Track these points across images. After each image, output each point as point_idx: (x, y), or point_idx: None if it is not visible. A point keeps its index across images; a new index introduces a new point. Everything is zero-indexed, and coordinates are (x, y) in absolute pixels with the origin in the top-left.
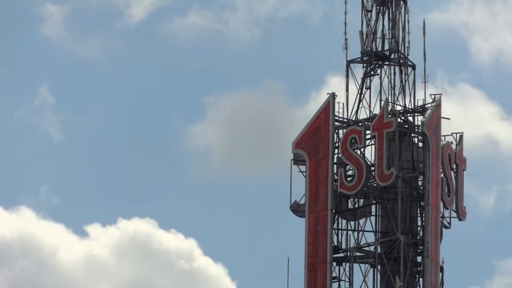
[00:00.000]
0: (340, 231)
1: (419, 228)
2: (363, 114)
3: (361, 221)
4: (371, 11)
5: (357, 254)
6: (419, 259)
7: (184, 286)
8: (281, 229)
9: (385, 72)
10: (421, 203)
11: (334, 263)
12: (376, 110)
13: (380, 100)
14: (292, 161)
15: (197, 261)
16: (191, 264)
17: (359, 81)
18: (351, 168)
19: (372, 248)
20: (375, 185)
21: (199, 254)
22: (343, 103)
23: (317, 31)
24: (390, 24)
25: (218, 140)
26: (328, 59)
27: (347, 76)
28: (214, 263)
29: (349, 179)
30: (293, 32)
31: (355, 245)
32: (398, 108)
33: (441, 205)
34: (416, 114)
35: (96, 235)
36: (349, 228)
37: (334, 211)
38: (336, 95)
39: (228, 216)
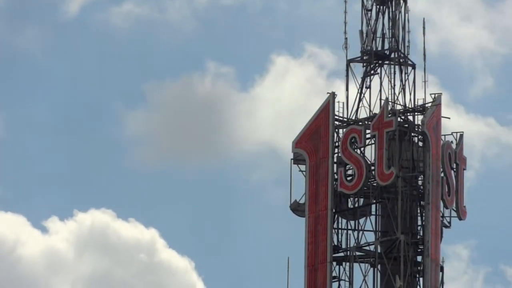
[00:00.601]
0: (340, 231)
1: (419, 228)
2: (363, 114)
3: (361, 220)
4: (371, 10)
5: (357, 253)
6: (419, 258)
7: (146, 279)
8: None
9: (385, 71)
10: (421, 202)
11: (334, 263)
12: (376, 110)
13: (380, 99)
14: (292, 160)
15: (161, 254)
16: (153, 257)
17: (359, 80)
18: (351, 167)
19: (372, 247)
20: (375, 184)
21: (162, 246)
22: (343, 103)
23: (256, 16)
24: (390, 23)
25: (160, 126)
26: (270, 43)
27: (347, 76)
28: (180, 257)
29: (349, 178)
30: (233, 19)
31: (355, 244)
32: (398, 107)
33: (441, 204)
34: (416, 113)
35: (55, 229)
36: (349, 227)
37: (334, 210)
38: (336, 95)
39: (184, 206)
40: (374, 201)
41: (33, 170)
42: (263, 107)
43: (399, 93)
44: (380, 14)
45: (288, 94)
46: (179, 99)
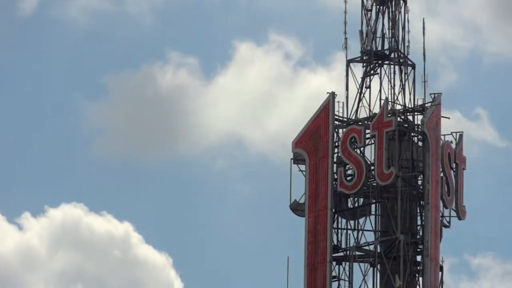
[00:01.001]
0: (339, 230)
1: (418, 228)
2: (363, 113)
3: (361, 220)
4: (371, 10)
5: (357, 253)
6: (418, 258)
7: (121, 275)
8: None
9: (385, 71)
10: (421, 202)
11: (334, 262)
12: (376, 109)
13: (380, 99)
14: (292, 160)
15: (136, 249)
16: (128, 253)
17: (359, 80)
18: (350, 167)
19: (371, 247)
20: (374, 184)
21: (138, 241)
22: (343, 102)
23: (216, 8)
24: (390, 23)
25: (121, 118)
26: (231, 32)
27: (347, 76)
28: (157, 252)
29: (348, 178)
30: (192, 11)
31: (354, 244)
32: (398, 107)
33: (441, 204)
34: (416, 113)
35: (29, 226)
36: (349, 227)
37: (333, 210)
38: (336, 95)
39: (156, 198)
40: (374, 201)
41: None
42: (227, 97)
43: (398, 93)
44: (380, 14)
45: (252, 83)
46: (140, 90)
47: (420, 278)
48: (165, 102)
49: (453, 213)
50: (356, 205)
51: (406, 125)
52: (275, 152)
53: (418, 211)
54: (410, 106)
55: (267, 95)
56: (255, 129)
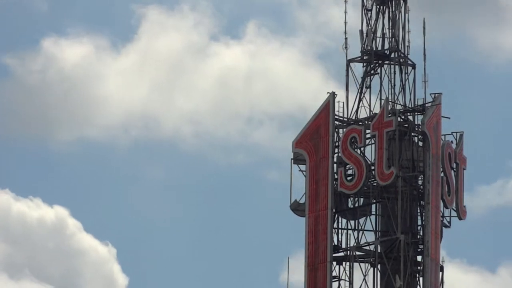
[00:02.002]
0: (340, 230)
1: (419, 228)
2: (363, 113)
3: (361, 220)
4: (371, 10)
5: (357, 253)
6: (419, 258)
7: (57, 266)
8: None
9: (385, 71)
10: (421, 202)
11: (334, 263)
12: (376, 109)
13: (380, 99)
14: (292, 160)
15: (73, 237)
16: (64, 241)
17: (359, 80)
18: (351, 167)
19: (372, 247)
20: (375, 184)
21: (75, 229)
22: (343, 102)
23: None
24: (390, 23)
25: (25, 99)
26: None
27: (347, 76)
28: (100, 242)
29: (349, 178)
30: None
31: (355, 244)
32: (398, 107)
33: (441, 204)
34: (416, 113)
35: None
36: (349, 227)
37: (334, 210)
38: (336, 95)
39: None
40: (374, 201)
41: None
42: (134, 75)
43: (399, 93)
44: (380, 14)
45: (162, 56)
46: (42, 70)
47: (421, 278)
48: (69, 81)
49: (454, 213)
50: (356, 205)
51: (406, 125)
52: (188, 132)
53: (419, 211)
54: (410, 106)
55: (177, 70)
56: (166, 107)
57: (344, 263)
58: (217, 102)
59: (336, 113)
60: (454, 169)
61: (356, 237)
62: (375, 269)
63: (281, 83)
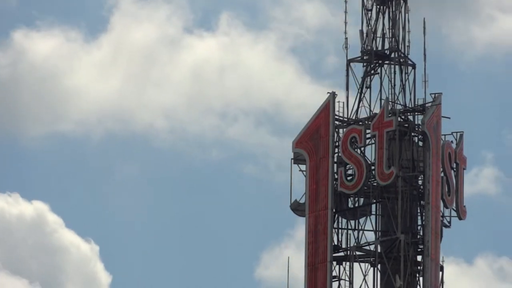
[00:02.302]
0: (340, 230)
1: (419, 227)
2: (363, 113)
3: (361, 220)
4: (371, 10)
5: (357, 253)
6: (419, 258)
7: (37, 262)
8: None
9: (385, 71)
10: (421, 202)
11: (334, 262)
12: (376, 109)
13: (380, 99)
14: (292, 160)
15: (54, 234)
16: (45, 237)
17: (359, 80)
18: (351, 167)
19: (372, 247)
20: (375, 184)
21: (56, 225)
22: (343, 102)
23: None
24: (390, 23)
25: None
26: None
27: (347, 75)
28: (82, 239)
29: (349, 178)
30: None
31: (355, 244)
32: (398, 107)
33: (441, 204)
34: (416, 113)
35: None
36: (349, 227)
37: (334, 210)
38: (336, 95)
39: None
40: (374, 200)
41: None
42: (106, 68)
43: (399, 93)
44: (380, 14)
45: (135, 48)
46: (14, 63)
47: (421, 278)
48: (40, 74)
49: (454, 213)
50: (356, 205)
51: (406, 125)
52: (162, 127)
53: (419, 211)
54: (410, 106)
55: (150, 62)
56: (139, 100)
57: (344, 263)
58: (191, 95)
59: (336, 113)
60: (454, 169)
61: (356, 237)
62: (375, 269)
63: (255, 76)
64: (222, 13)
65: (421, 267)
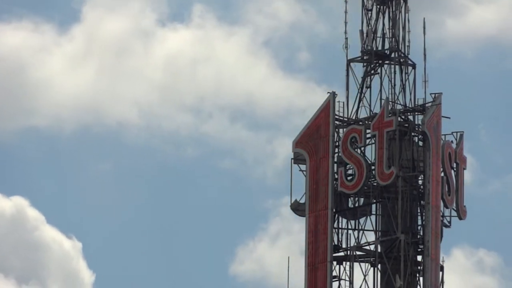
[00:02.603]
0: (340, 230)
1: (419, 227)
2: (363, 113)
3: (362, 220)
4: (371, 10)
5: (358, 253)
6: (419, 258)
7: (20, 258)
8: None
9: (386, 71)
10: (422, 202)
11: (335, 262)
12: (377, 109)
13: (381, 99)
14: (292, 160)
15: (35, 231)
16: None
17: (359, 80)
18: (351, 167)
19: (372, 247)
20: (375, 184)
21: (37, 222)
22: (343, 102)
23: None
24: (390, 23)
25: None
26: None
27: (348, 75)
28: (64, 236)
29: (349, 178)
30: None
31: (355, 244)
32: (399, 107)
33: (442, 204)
34: (416, 113)
35: None
36: (350, 227)
37: (334, 210)
38: (337, 94)
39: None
40: (374, 200)
41: None
42: (78, 60)
43: (399, 93)
44: (381, 14)
45: (106, 41)
46: None
47: (421, 278)
48: (10, 67)
49: (454, 213)
50: (356, 205)
51: (406, 125)
52: (134, 122)
53: (419, 211)
54: (410, 106)
55: (123, 55)
56: (112, 94)
57: (344, 263)
58: (164, 89)
59: (336, 113)
60: (454, 169)
61: (356, 237)
62: (375, 269)
63: (228, 70)
64: (195, 5)
65: (421, 267)
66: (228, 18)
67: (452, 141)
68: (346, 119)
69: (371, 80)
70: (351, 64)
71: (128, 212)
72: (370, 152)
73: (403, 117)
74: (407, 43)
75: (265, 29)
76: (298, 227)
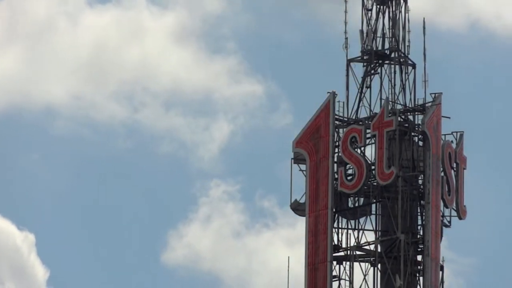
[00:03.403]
0: (340, 230)
1: (419, 227)
2: (363, 113)
3: (361, 220)
4: (371, 10)
5: (357, 253)
6: (419, 258)
7: None
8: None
9: (386, 71)
10: (422, 202)
11: (334, 262)
12: (377, 109)
13: (380, 99)
14: (293, 160)
15: None
16: None
17: (359, 80)
18: (351, 167)
19: (372, 247)
20: (375, 184)
21: None
22: (343, 102)
23: None
24: (390, 23)
25: None
26: None
27: (347, 75)
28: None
29: (349, 178)
30: None
31: (355, 244)
32: (399, 107)
33: (441, 204)
34: (416, 113)
35: None
36: (349, 227)
37: (334, 210)
38: (337, 94)
39: None
40: (374, 200)
41: None
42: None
43: (399, 93)
44: (381, 14)
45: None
46: None
47: (421, 278)
48: None
49: (454, 213)
50: (356, 204)
51: (406, 124)
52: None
53: (419, 210)
54: (410, 106)
55: (48, 37)
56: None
57: (344, 262)
58: (91, 73)
59: (336, 112)
60: (454, 169)
61: (356, 236)
62: (375, 268)
63: (155, 55)
64: None
65: (421, 267)
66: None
67: (452, 141)
68: (346, 119)
69: (371, 80)
70: (351, 64)
71: (62, 202)
72: (370, 152)
73: (403, 117)
74: (407, 43)
75: (191, 15)
76: (229, 209)
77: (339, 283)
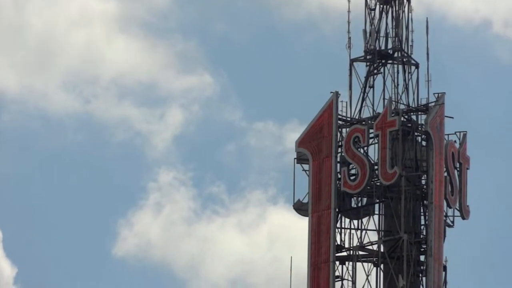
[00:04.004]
0: (343, 230)
1: (422, 227)
2: (366, 113)
3: (364, 220)
4: (374, 9)
5: (360, 253)
6: (422, 258)
7: None
8: None
9: (389, 70)
10: (425, 202)
11: (337, 262)
12: (380, 109)
13: (384, 98)
14: (296, 160)
15: None
16: None
17: (363, 79)
18: (354, 167)
19: (375, 247)
20: (378, 184)
21: None
22: (346, 102)
23: None
24: (394, 22)
25: None
26: None
27: (350, 75)
28: None
29: (352, 178)
30: None
31: (358, 244)
32: (402, 106)
33: (445, 204)
34: (419, 112)
35: None
36: (352, 227)
37: (337, 210)
38: (340, 94)
39: None
40: (378, 200)
41: None
42: None
43: (402, 93)
44: (384, 14)
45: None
46: None
47: (424, 278)
48: None
49: (457, 213)
50: (359, 204)
51: (409, 124)
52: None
53: (422, 210)
54: (413, 106)
55: None
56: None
57: (347, 262)
58: (40, 63)
59: (339, 112)
60: (458, 169)
61: (359, 236)
62: (378, 268)
63: (103, 44)
64: None
65: (424, 267)
66: None
67: (455, 141)
68: (349, 119)
69: (374, 80)
70: (354, 63)
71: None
72: (373, 152)
73: (406, 116)
74: (410, 43)
75: (137, 3)
76: (179, 196)
77: (342, 283)
